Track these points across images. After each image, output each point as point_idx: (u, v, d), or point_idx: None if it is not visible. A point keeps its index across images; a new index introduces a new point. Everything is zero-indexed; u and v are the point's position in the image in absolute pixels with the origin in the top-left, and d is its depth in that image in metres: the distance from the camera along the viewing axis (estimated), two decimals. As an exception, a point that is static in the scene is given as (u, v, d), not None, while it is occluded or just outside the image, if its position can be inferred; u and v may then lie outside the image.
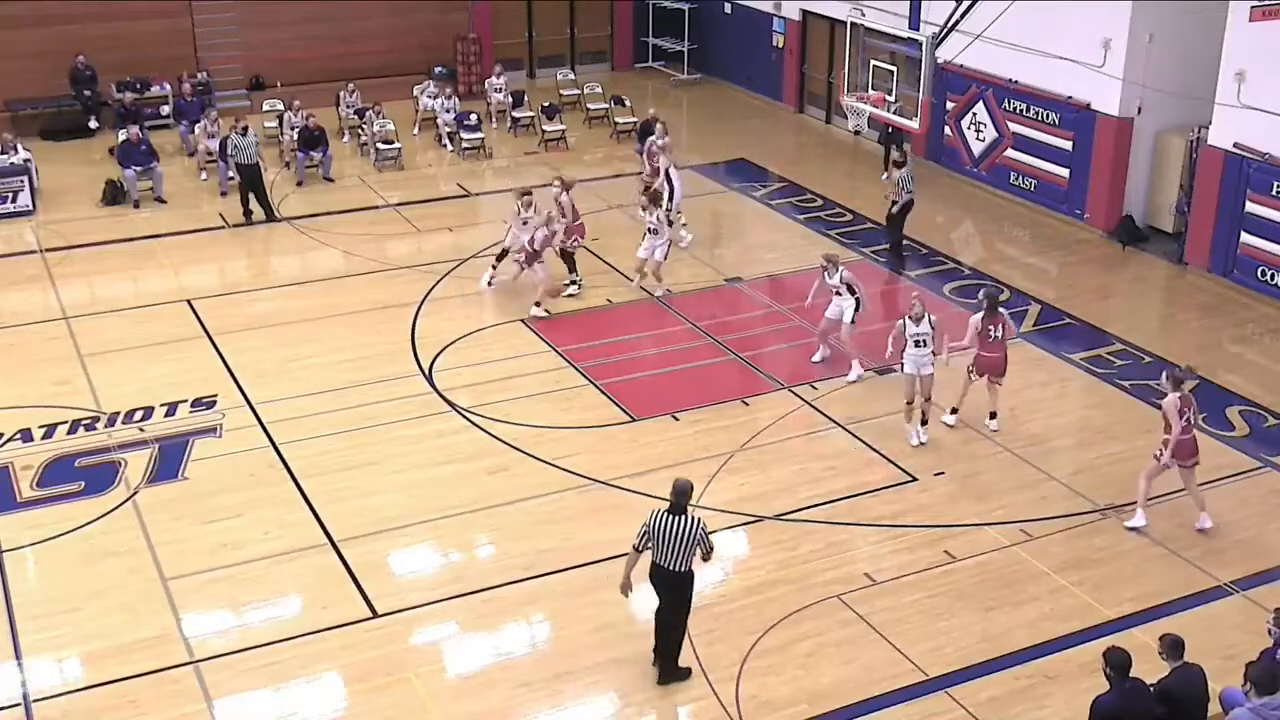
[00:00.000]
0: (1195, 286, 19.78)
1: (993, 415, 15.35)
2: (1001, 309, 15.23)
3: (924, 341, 14.86)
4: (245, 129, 21.78)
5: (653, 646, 11.32)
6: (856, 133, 21.51)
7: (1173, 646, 9.61)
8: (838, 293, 16.49)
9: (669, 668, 11.24)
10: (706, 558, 10.81)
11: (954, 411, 15.43)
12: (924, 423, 15.13)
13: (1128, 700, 9.36)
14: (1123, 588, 12.59)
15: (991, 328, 14.90)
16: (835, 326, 16.64)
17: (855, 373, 16.52)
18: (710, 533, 10.91)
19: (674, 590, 10.92)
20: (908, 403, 15.12)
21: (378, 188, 23.74)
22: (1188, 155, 20.44)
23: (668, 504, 10.70)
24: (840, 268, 16.51)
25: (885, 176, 23.05)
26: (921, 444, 15.02)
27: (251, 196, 21.86)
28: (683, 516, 10.61)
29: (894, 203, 20.32)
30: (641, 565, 10.90)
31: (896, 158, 21.00)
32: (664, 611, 11.09)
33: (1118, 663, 9.40)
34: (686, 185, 24.25)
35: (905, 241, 20.67)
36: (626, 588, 11.01)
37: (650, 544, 10.73)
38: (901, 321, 14.95)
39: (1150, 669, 9.71)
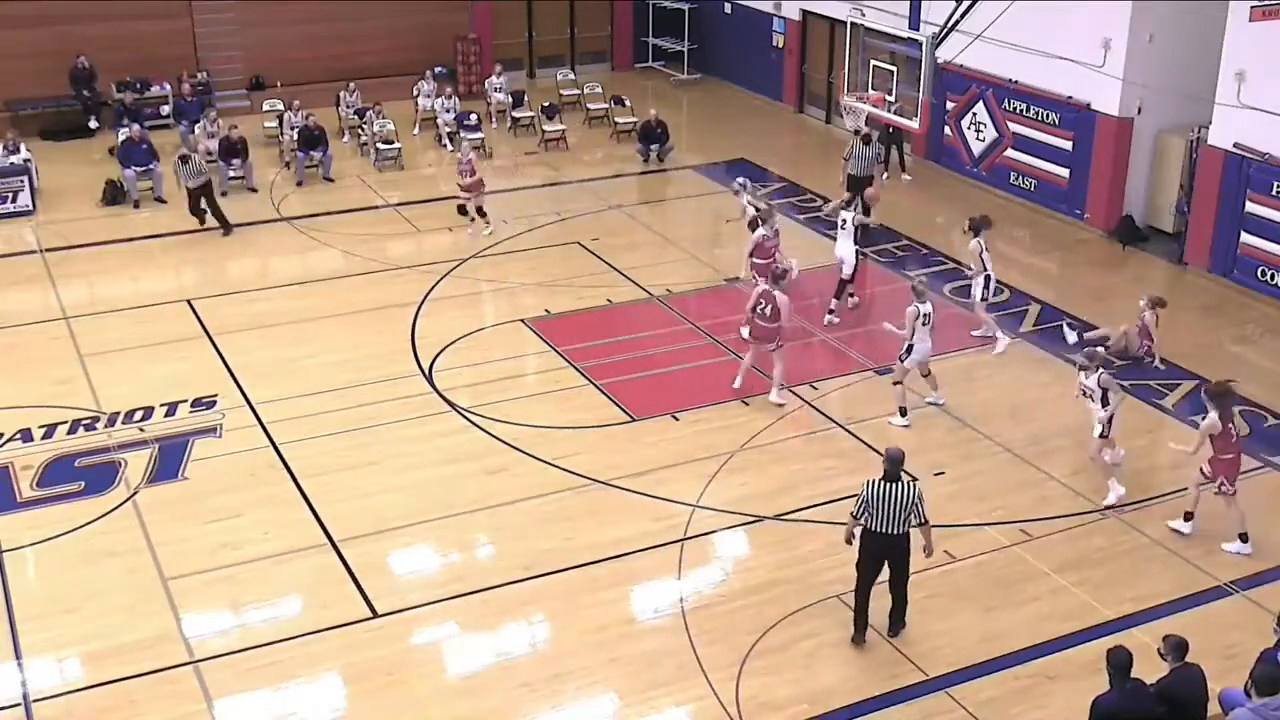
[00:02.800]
0: (1195, 286, 19.78)
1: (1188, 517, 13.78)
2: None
3: (930, 319, 15.23)
4: (186, 158, 21.29)
5: (855, 621, 11.72)
6: (856, 132, 21.53)
7: (1176, 648, 9.61)
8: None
9: (900, 620, 11.82)
10: (924, 522, 11.36)
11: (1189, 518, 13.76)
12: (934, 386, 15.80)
13: (1128, 700, 9.36)
14: (1123, 588, 12.59)
15: (1232, 425, 13.34)
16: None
17: (1003, 344, 17.09)
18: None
19: (894, 552, 11.43)
20: (896, 383, 15.47)
21: (378, 188, 23.75)
22: (1188, 155, 20.43)
23: (881, 473, 11.27)
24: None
25: (885, 175, 23.08)
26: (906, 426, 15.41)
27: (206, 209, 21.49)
28: (898, 483, 11.22)
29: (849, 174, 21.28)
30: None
31: (865, 132, 21.46)
32: (888, 572, 11.55)
33: (1119, 662, 9.40)
34: (686, 185, 24.33)
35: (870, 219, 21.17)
36: (851, 538, 11.71)
37: (867, 512, 11.25)
38: (914, 307, 15.07)
39: (1150, 669, 9.72)
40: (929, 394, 15.87)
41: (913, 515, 11.30)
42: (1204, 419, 13.13)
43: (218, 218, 21.54)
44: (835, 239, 18.49)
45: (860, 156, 21.40)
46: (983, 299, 17.31)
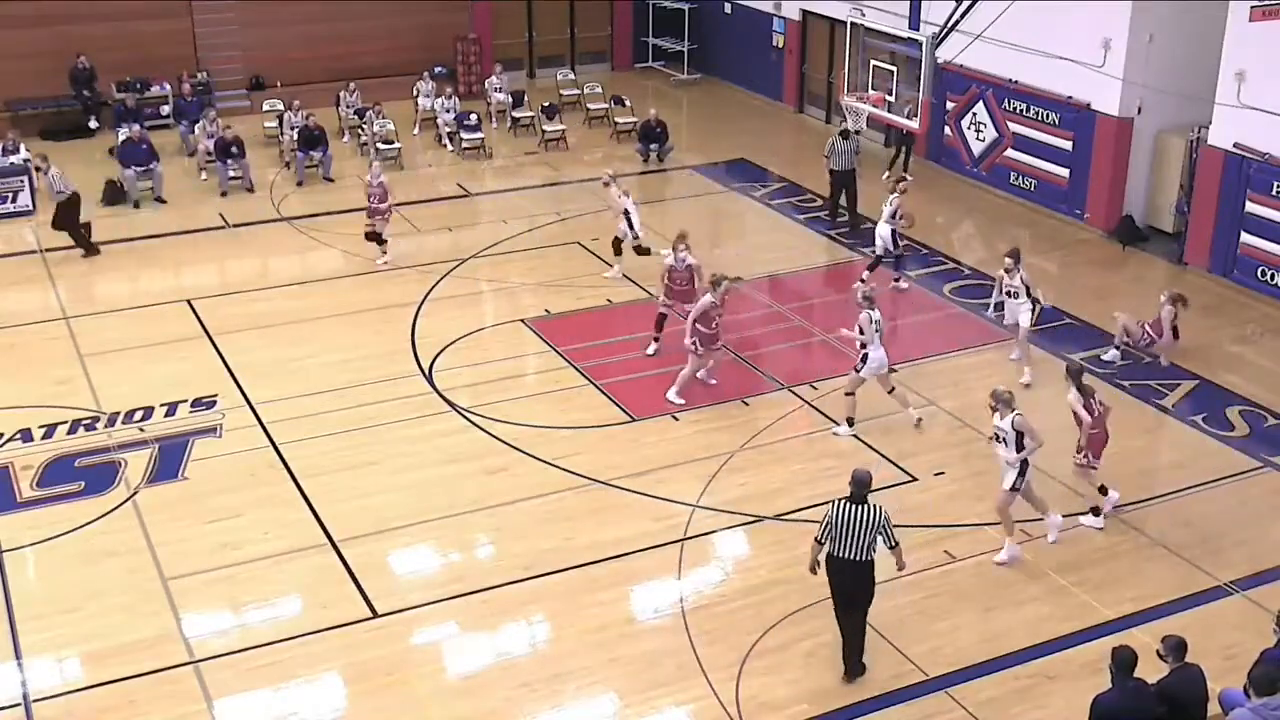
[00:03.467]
0: (1195, 286, 19.76)
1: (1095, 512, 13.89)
2: (875, 310, 15.05)
3: (881, 326, 15.17)
4: (48, 168, 20.69)
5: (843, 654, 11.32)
6: (857, 133, 21.57)
7: (1175, 648, 9.61)
8: (1012, 294, 16.42)
9: (857, 663, 11.29)
10: (893, 547, 10.99)
11: (1104, 490, 13.90)
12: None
13: (1129, 699, 9.37)
14: (1122, 588, 12.59)
15: (1092, 401, 13.60)
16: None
17: (1028, 376, 16.52)
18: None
19: (858, 579, 11.00)
20: (849, 393, 15.31)
21: (378, 188, 23.73)
22: (1188, 155, 20.43)
23: (848, 494, 10.88)
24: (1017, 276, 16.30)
25: (885, 175, 23.11)
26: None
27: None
28: (864, 506, 10.81)
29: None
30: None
31: (844, 128, 21.74)
32: (846, 605, 11.13)
33: (1123, 661, 9.41)
34: (686, 185, 24.33)
35: (854, 215, 21.85)
36: (815, 568, 11.22)
37: (831, 535, 10.86)
38: (866, 314, 14.99)
39: (1149, 669, 9.72)
40: (909, 411, 15.49)
41: (879, 540, 10.84)
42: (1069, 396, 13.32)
43: (77, 239, 20.54)
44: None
45: (840, 152, 21.63)
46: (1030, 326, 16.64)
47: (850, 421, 15.34)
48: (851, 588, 11.06)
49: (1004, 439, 12.66)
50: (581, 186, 23.81)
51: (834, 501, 10.95)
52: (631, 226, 19.59)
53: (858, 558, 10.83)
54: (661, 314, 17.15)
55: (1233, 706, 9.47)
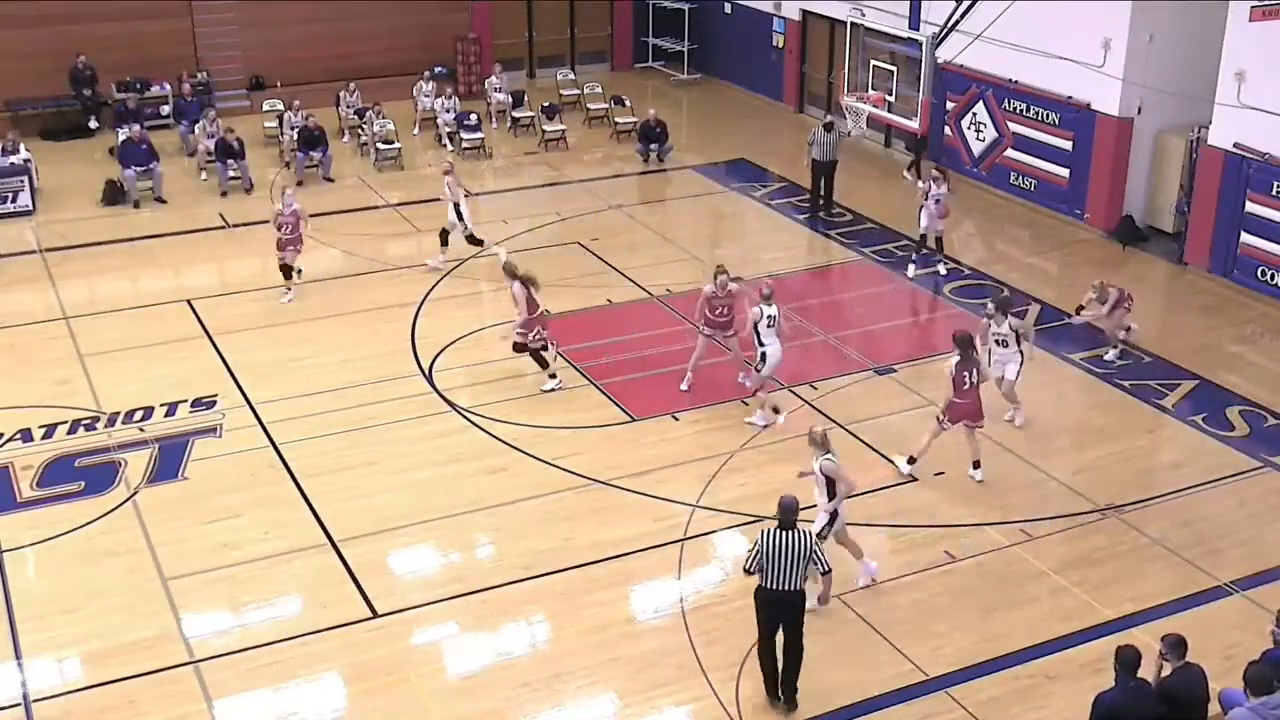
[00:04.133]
0: (1195, 286, 19.78)
1: (976, 465, 14.36)
2: (975, 352, 14.23)
3: (776, 323, 15.17)
4: None
5: (765, 682, 10.99)
6: (848, 134, 21.62)
7: (1174, 646, 9.61)
8: (1000, 342, 15.23)
9: (793, 692, 10.95)
10: (825, 572, 10.73)
11: (911, 461, 14.43)
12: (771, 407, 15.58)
13: (1130, 698, 9.37)
14: (1122, 588, 12.59)
15: (966, 374, 13.89)
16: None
17: (1022, 418, 15.48)
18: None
19: (787, 610, 10.70)
20: (756, 390, 15.45)
21: (378, 188, 23.75)
22: (1188, 155, 20.43)
23: (775, 521, 10.59)
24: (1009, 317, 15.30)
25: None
26: (766, 426, 15.32)
27: None
28: (792, 532, 10.50)
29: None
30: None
31: (828, 120, 22.51)
32: (781, 636, 10.78)
33: (1127, 660, 9.41)
34: (685, 185, 24.32)
35: (830, 203, 22.48)
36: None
37: (760, 565, 10.52)
38: (758, 309, 15.08)
39: (1148, 672, 9.72)
40: (757, 417, 15.46)
41: (809, 567, 10.54)
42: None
43: None
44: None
45: (821, 142, 22.09)
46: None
47: (776, 410, 15.52)
48: (784, 617, 10.73)
49: (817, 483, 12.19)
50: (582, 186, 23.82)
51: (763, 530, 10.64)
52: (461, 218, 19.74)
53: (788, 587, 10.53)
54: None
55: (1232, 706, 9.48)
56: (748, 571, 10.70)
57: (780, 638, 10.84)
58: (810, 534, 10.77)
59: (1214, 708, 9.82)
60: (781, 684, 10.98)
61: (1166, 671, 9.59)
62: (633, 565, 12.91)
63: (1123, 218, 21.47)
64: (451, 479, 14.36)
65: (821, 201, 22.66)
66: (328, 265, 20.26)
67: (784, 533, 10.51)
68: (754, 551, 10.58)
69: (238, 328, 17.96)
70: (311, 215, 22.13)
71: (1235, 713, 9.19)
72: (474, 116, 26.03)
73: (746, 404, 15.92)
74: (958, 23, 22.09)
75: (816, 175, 22.55)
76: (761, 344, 15.07)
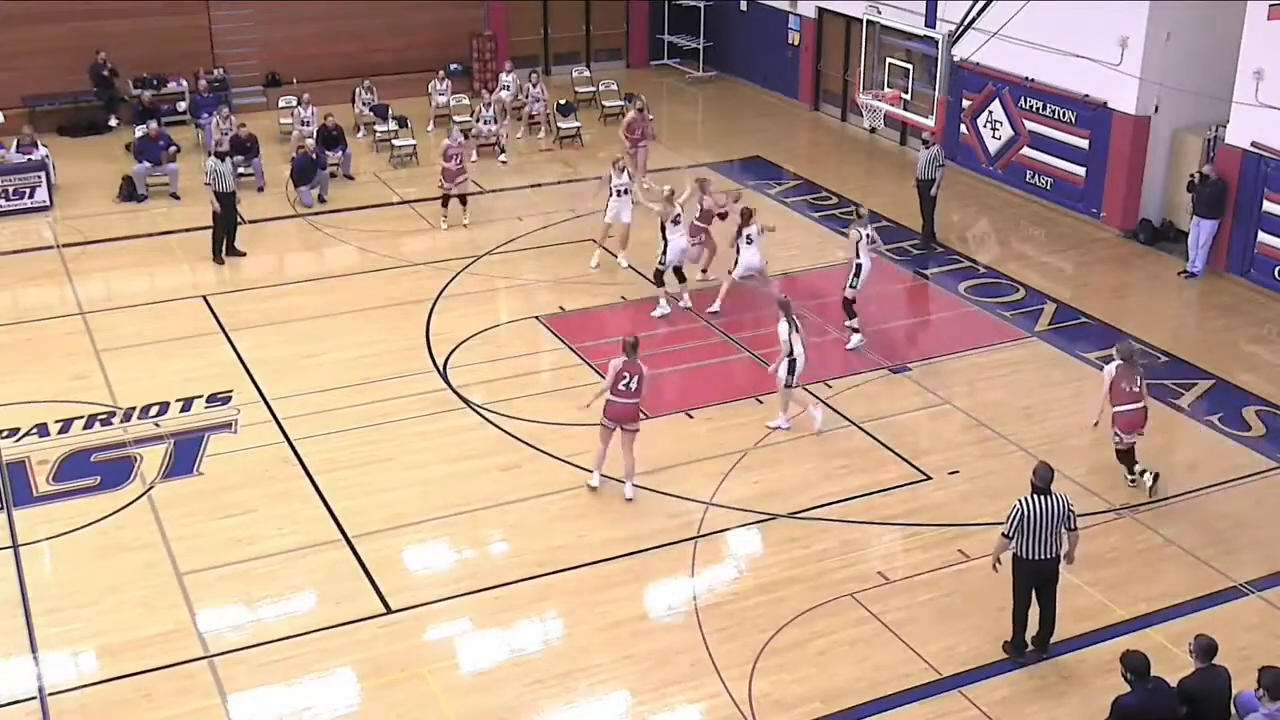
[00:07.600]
0: (1212, 286, 19.69)
1: (1144, 472, 14.04)
2: (1140, 361, 14.02)
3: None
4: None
5: (1014, 638, 11.54)
6: (872, 130, 21.51)
7: (1204, 649, 9.57)
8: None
9: (1045, 645, 11.60)
10: (1073, 530, 11.20)
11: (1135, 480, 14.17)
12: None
13: (1151, 700, 9.34)
14: (1137, 588, 12.55)
15: (1125, 383, 13.68)
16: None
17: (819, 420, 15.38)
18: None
19: (1048, 579, 11.28)
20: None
21: (393, 184, 23.78)
22: (1205, 154, 20.34)
23: (1031, 489, 11.10)
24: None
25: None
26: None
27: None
28: (1050, 497, 11.07)
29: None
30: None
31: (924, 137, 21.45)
32: (1038, 597, 11.38)
33: (1136, 666, 9.38)
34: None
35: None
36: (997, 563, 11.45)
37: (1021, 529, 11.02)
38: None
39: (1166, 669, 9.69)
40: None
41: (1063, 529, 11.13)
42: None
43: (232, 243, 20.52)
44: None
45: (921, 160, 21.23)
46: (788, 385, 15.17)
47: (678, 296, 17.65)
48: (1044, 585, 11.33)
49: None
50: (591, 184, 23.76)
51: (1020, 499, 11.10)
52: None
53: (1048, 555, 11.09)
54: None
55: (1247, 712, 9.42)
56: (1006, 536, 11.13)
57: (1035, 607, 11.39)
58: (1065, 496, 11.19)
59: (1227, 710, 9.80)
60: (1034, 639, 11.52)
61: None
62: (646, 562, 12.92)
63: (1141, 220, 21.32)
64: (465, 475, 14.38)
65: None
66: (343, 261, 20.31)
67: (1042, 498, 11.01)
68: (1013, 517, 11.04)
69: (253, 323, 18.01)
70: (330, 212, 22.30)
71: (1251, 718, 9.15)
72: (489, 113, 25.97)
73: (761, 402, 15.90)
74: (974, 20, 21.98)
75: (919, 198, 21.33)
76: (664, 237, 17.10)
